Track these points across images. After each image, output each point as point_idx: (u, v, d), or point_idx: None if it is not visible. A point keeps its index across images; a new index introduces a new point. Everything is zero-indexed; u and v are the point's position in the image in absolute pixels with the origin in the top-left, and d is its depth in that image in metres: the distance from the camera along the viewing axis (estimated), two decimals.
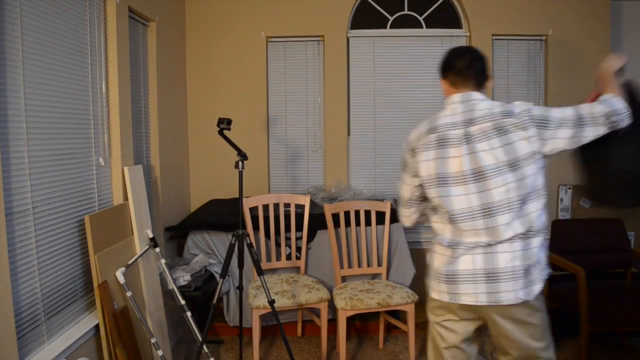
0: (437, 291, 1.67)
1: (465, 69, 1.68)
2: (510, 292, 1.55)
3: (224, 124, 2.35)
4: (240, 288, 2.52)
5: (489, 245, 1.58)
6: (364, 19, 3.61)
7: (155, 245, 2.53)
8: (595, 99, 1.74)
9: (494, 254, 1.57)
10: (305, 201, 3.05)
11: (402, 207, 1.82)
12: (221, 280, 2.36)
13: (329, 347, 2.98)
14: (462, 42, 3.58)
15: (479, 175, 1.57)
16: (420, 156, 1.69)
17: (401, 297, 2.68)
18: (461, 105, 1.66)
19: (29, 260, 1.82)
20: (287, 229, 3.04)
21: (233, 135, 3.60)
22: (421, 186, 1.70)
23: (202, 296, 2.75)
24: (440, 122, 1.69)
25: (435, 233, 1.72)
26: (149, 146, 2.95)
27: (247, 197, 2.95)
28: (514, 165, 1.55)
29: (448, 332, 1.71)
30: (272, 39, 3.59)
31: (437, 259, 1.69)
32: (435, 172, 1.63)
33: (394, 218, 3.10)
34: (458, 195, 1.60)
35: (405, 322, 2.80)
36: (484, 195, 1.57)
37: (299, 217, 3.04)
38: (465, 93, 1.67)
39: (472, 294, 1.59)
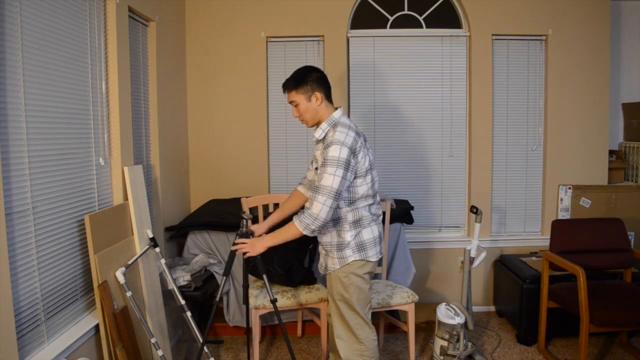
0: (375, 254, 2.09)
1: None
2: None
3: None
4: (245, 286, 2.50)
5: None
6: (364, 19, 3.61)
7: (155, 245, 2.53)
8: None
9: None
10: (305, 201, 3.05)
11: (332, 201, 1.93)
12: (224, 278, 2.34)
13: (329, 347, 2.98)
14: (462, 42, 3.58)
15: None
16: (362, 152, 2.00)
17: (401, 297, 2.68)
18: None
19: (29, 260, 1.82)
20: None
21: (233, 135, 3.61)
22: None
23: (202, 296, 2.75)
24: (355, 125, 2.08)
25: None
26: (149, 146, 2.95)
27: (247, 197, 2.95)
28: None
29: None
30: (272, 39, 3.59)
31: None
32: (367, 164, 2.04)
33: (394, 218, 3.10)
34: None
35: (405, 322, 2.80)
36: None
37: None
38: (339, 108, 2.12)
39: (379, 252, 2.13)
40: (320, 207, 1.90)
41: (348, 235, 2.05)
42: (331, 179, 1.90)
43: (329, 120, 2.06)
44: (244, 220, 2.23)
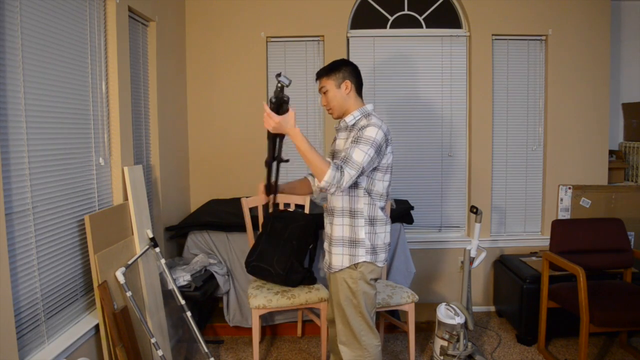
0: (383, 259, 2.09)
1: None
2: None
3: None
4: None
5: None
6: (364, 19, 3.61)
7: (155, 245, 2.53)
8: None
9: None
10: (305, 201, 3.05)
11: (357, 175, 1.92)
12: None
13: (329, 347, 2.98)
14: (462, 42, 3.58)
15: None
16: (389, 147, 2.03)
17: (401, 297, 2.68)
18: None
19: (29, 260, 1.82)
20: None
21: (233, 135, 3.61)
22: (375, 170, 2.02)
23: (202, 296, 2.75)
24: None
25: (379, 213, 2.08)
26: (149, 146, 2.95)
27: (247, 197, 2.95)
28: None
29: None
30: (272, 39, 3.59)
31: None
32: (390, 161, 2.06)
33: (394, 218, 3.10)
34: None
35: (405, 322, 2.80)
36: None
37: None
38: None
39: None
40: (348, 179, 1.89)
41: (362, 232, 2.03)
42: (362, 155, 1.90)
43: (361, 109, 2.07)
44: (280, 85, 1.80)
